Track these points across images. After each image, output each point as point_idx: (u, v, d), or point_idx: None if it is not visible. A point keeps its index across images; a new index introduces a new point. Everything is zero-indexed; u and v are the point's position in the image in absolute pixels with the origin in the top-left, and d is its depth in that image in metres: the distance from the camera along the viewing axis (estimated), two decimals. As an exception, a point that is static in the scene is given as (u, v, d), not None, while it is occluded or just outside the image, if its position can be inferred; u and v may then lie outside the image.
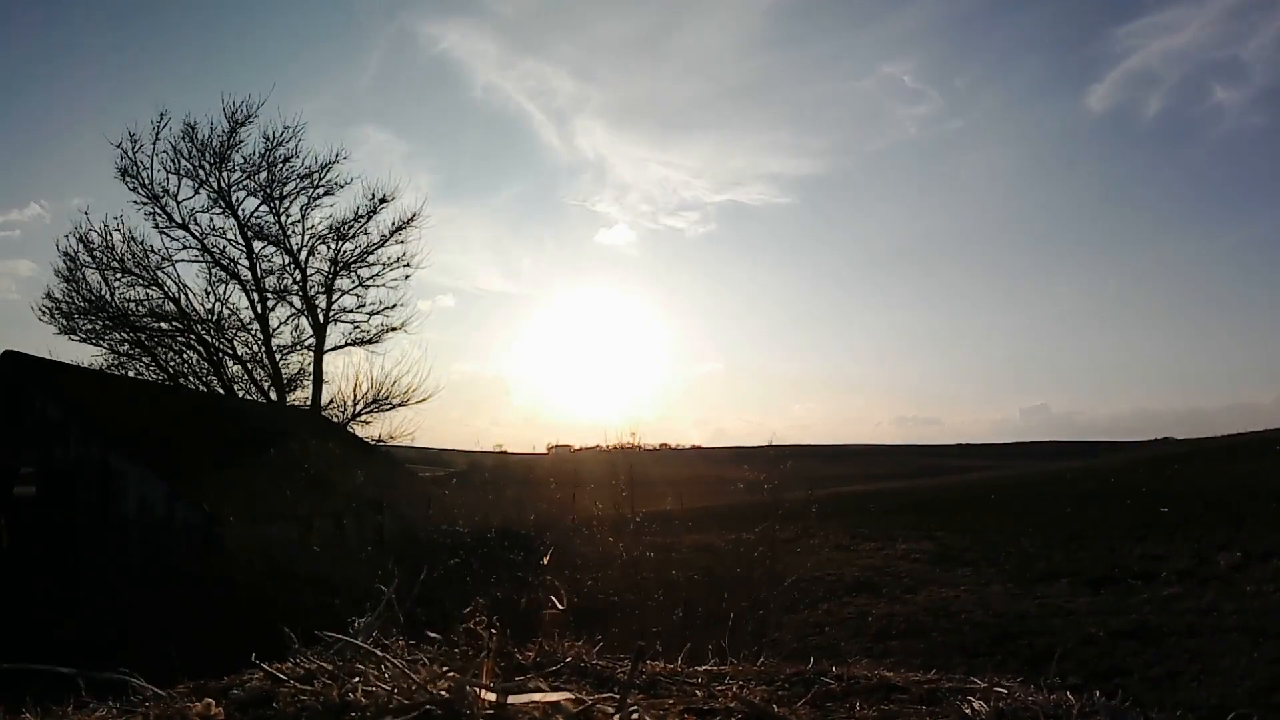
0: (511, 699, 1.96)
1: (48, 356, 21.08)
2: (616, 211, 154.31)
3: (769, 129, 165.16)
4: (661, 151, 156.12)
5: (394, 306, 29.02)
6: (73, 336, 26.32)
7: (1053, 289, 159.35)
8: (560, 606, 3.16)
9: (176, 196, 26.42)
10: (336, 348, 29.03)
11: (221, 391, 27.24)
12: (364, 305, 28.96)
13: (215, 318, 27.41)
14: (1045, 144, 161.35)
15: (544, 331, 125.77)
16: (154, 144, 25.73)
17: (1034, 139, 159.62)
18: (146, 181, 26.04)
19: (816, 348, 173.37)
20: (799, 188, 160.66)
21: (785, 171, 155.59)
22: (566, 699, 2.02)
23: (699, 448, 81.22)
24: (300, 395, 28.65)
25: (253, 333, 27.97)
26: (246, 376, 28.00)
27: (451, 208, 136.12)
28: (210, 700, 2.25)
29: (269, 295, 28.07)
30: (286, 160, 27.06)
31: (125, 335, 26.82)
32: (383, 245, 28.66)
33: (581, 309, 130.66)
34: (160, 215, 26.44)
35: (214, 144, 26.22)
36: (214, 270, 27.48)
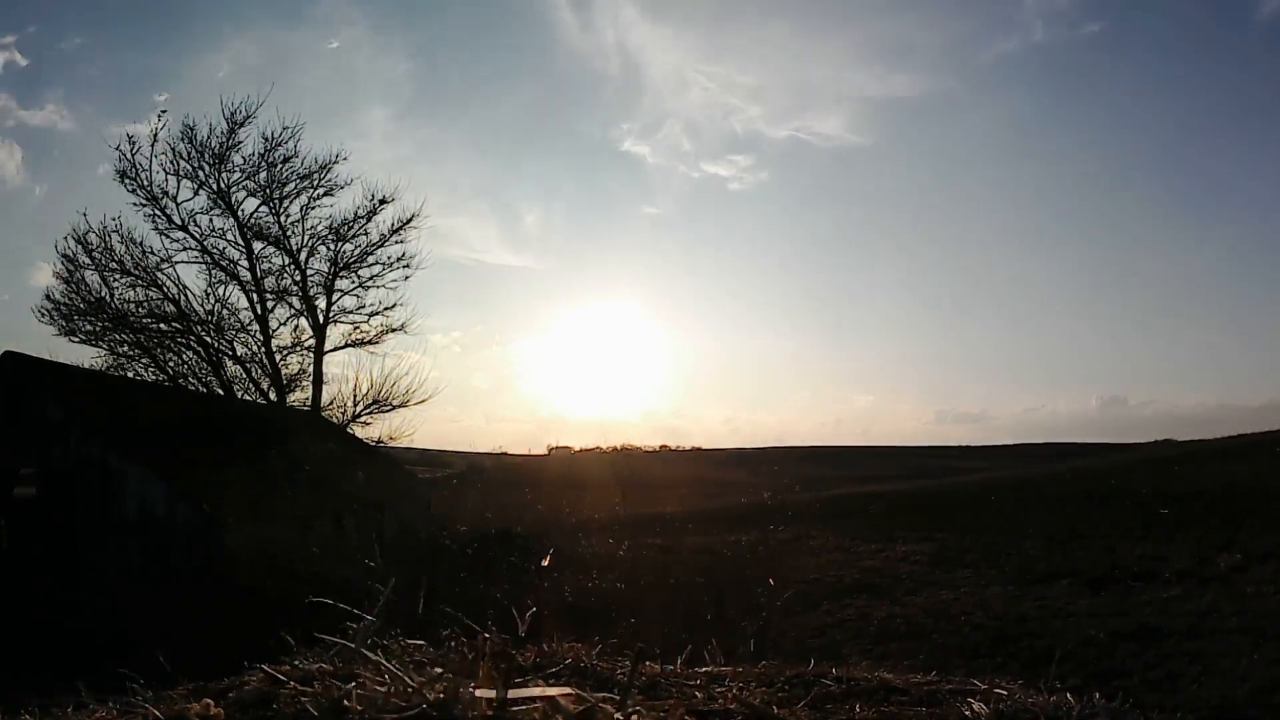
0: (511, 698, 1.96)
1: (48, 357, 21.10)
2: (646, 152, 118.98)
3: (856, 30, 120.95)
4: (711, 58, 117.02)
5: (394, 307, 29.00)
6: (72, 338, 26.31)
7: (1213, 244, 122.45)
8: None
9: (176, 198, 26.39)
10: (336, 348, 29.01)
11: (221, 392, 27.22)
12: (364, 306, 28.93)
13: (215, 318, 27.39)
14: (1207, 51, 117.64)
15: (549, 316, 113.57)
16: (153, 145, 25.73)
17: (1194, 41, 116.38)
18: (145, 183, 26.02)
19: (887, 334, 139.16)
20: (884, 117, 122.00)
21: (872, 93, 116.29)
22: (565, 694, 2.02)
23: (699, 449, 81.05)
24: (300, 396, 28.62)
25: (252, 333, 27.95)
26: (246, 377, 27.97)
27: (431, 127, 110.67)
28: (210, 700, 2.26)
29: (269, 296, 28.04)
30: (286, 161, 27.02)
31: (125, 336, 26.79)
32: (382, 245, 28.62)
33: (597, 286, 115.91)
34: (159, 216, 26.41)
35: (213, 145, 26.19)
36: (213, 271, 27.45)
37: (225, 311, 27.54)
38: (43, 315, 26.11)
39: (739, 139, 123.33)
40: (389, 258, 28.67)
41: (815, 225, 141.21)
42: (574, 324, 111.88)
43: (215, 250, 27.21)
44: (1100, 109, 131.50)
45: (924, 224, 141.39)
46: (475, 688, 1.98)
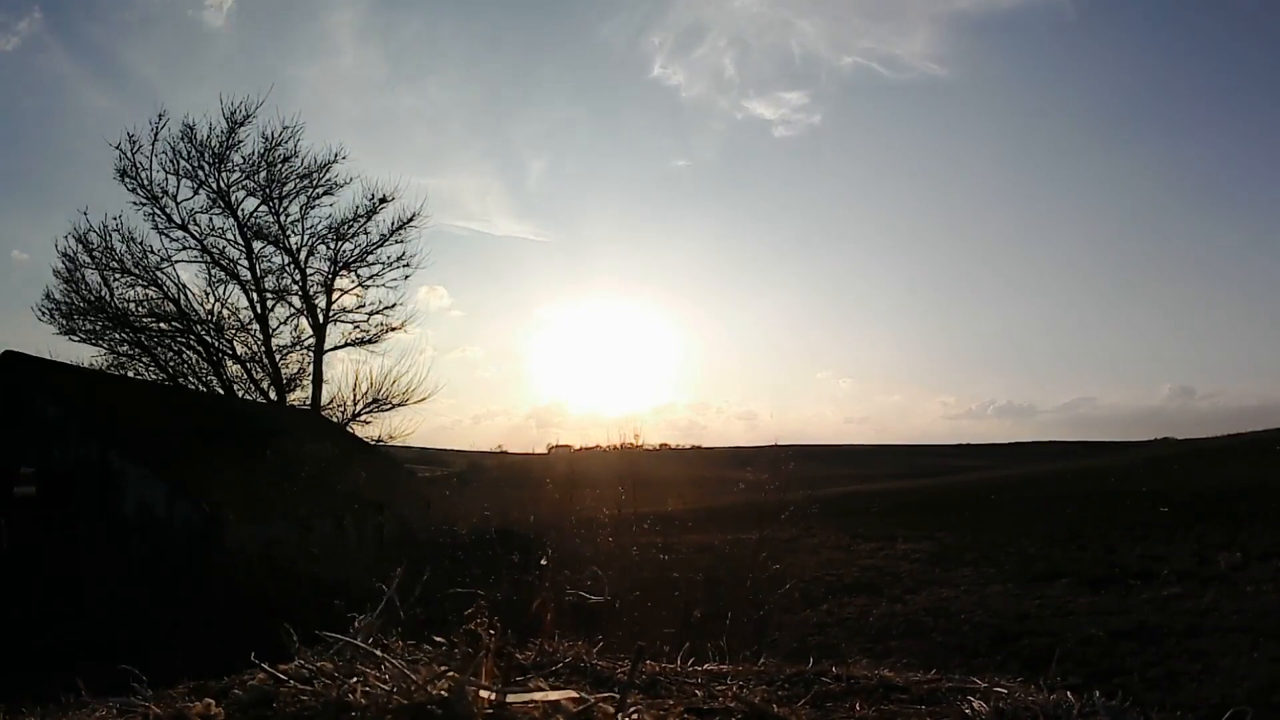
0: (511, 698, 1.96)
1: (48, 356, 21.09)
2: (680, 80, 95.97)
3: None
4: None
5: (394, 306, 29.02)
6: (72, 337, 26.33)
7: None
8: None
9: (176, 197, 26.41)
10: (336, 347, 29.03)
11: (221, 391, 27.22)
12: (364, 305, 28.96)
13: (215, 318, 27.41)
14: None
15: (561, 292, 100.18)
16: (153, 144, 25.73)
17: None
18: (145, 182, 26.03)
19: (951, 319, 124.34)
20: (977, 42, 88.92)
21: (965, 5, 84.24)
22: (567, 697, 2.02)
23: (699, 448, 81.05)
24: (300, 395, 28.64)
25: (252, 333, 27.97)
26: (246, 376, 27.99)
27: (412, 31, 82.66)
28: (210, 700, 2.26)
29: (269, 295, 28.06)
30: (285, 160, 27.03)
31: (125, 335, 26.80)
32: (382, 245, 28.65)
33: (614, 257, 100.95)
34: (159, 215, 26.42)
35: (213, 144, 26.20)
36: (213, 270, 27.47)
37: (225, 311, 27.59)
38: (43, 314, 26.15)
39: (793, 65, 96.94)
40: (389, 257, 28.72)
41: (877, 186, 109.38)
42: (581, 308, 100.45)
43: (215, 249, 27.25)
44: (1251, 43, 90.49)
45: (1018, 188, 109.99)
46: (477, 686, 1.98)
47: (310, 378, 28.54)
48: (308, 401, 28.34)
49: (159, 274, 26.65)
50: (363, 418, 28.67)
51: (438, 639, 2.55)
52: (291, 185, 27.35)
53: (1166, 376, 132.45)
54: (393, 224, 28.45)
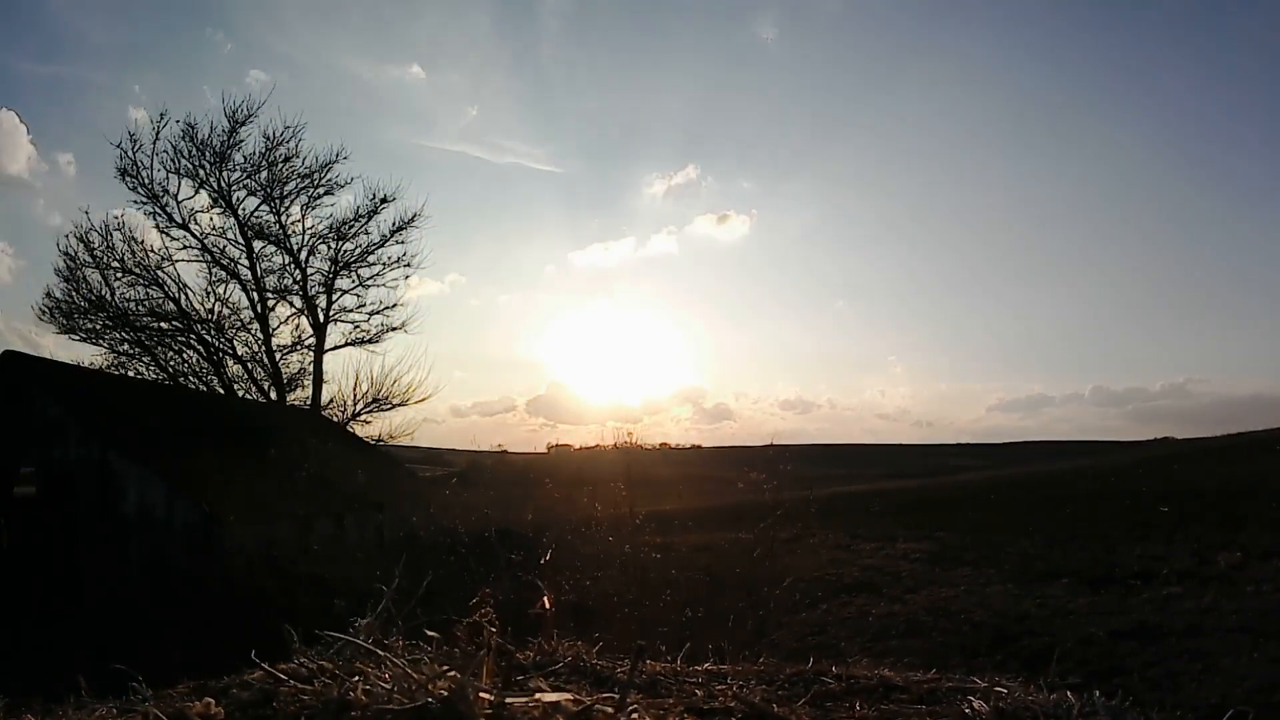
0: (511, 699, 1.96)
1: (48, 356, 21.11)
2: None
3: None
4: None
5: (394, 306, 29.06)
6: (73, 336, 26.36)
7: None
8: (549, 607, 3.16)
9: (176, 196, 26.47)
10: (336, 347, 29.07)
11: (221, 391, 27.24)
12: (364, 305, 29.01)
13: (215, 317, 27.45)
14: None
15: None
16: (154, 144, 25.75)
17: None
18: (146, 181, 26.07)
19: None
20: None
21: None
22: (566, 699, 2.02)
23: (699, 447, 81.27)
24: (300, 395, 28.68)
25: (253, 332, 28.00)
26: (246, 376, 28.03)
27: None
28: (210, 700, 2.26)
29: (269, 295, 28.11)
30: (286, 160, 27.10)
31: (125, 335, 26.83)
32: (383, 245, 28.71)
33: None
34: (160, 215, 26.49)
35: (214, 144, 26.24)
36: (214, 270, 27.52)
37: (226, 310, 27.64)
38: (43, 314, 26.16)
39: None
40: (389, 257, 28.76)
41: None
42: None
43: (216, 249, 27.30)
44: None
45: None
46: (478, 685, 1.99)
47: (310, 377, 28.59)
48: (308, 401, 28.38)
49: (159, 273, 26.71)
50: (363, 418, 28.72)
51: (436, 636, 2.55)
52: (292, 185, 27.43)
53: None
54: (393, 224, 28.52)
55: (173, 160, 26.00)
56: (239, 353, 27.86)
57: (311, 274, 28.38)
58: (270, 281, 28.04)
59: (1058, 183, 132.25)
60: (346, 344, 29.06)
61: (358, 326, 29.03)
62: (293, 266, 28.13)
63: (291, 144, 26.91)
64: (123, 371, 26.52)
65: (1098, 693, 2.53)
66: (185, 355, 27.60)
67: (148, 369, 27.04)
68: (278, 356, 28.21)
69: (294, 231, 27.93)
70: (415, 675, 2.05)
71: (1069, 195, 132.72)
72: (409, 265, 28.82)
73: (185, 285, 27.24)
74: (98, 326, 26.41)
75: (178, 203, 26.48)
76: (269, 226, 27.56)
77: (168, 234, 26.68)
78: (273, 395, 27.94)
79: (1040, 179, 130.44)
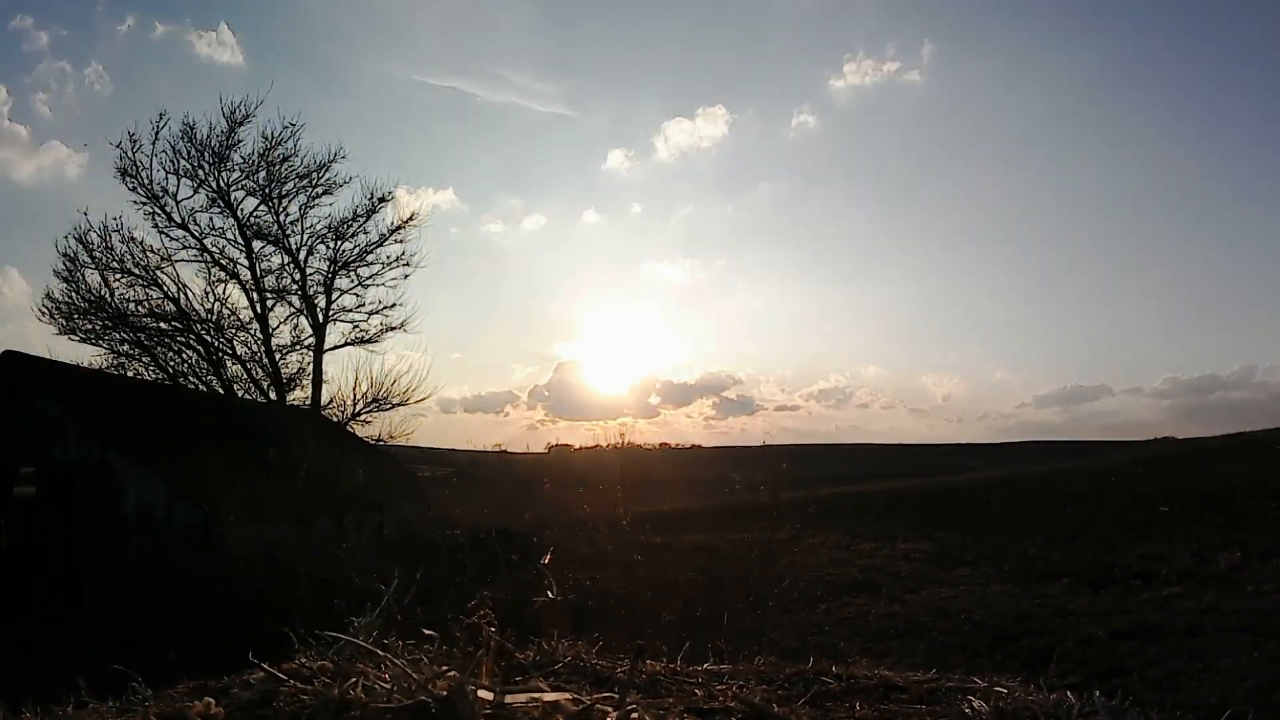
0: (510, 698, 1.96)
1: (48, 356, 21.09)
2: None
3: None
4: None
5: (393, 306, 29.03)
6: (72, 336, 26.31)
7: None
8: (553, 594, 3.16)
9: (176, 196, 26.41)
10: (336, 347, 29.04)
11: (221, 391, 27.21)
12: (363, 304, 28.97)
13: (215, 318, 27.39)
14: None
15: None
16: (153, 144, 25.72)
17: None
18: (146, 181, 26.03)
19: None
20: None
21: None
22: (566, 698, 2.02)
23: (698, 447, 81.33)
24: (300, 395, 28.64)
25: (252, 332, 27.96)
26: (246, 376, 27.98)
27: None
28: (210, 699, 2.26)
29: (268, 295, 28.05)
30: (285, 160, 27.04)
31: (125, 335, 26.77)
32: (382, 244, 28.66)
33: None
34: (159, 215, 26.43)
35: (213, 144, 26.20)
36: (213, 270, 27.46)
37: (225, 310, 27.58)
38: (43, 314, 26.13)
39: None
40: (388, 256, 28.73)
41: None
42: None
43: (215, 249, 27.25)
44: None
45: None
46: (477, 685, 1.98)
47: (310, 377, 28.56)
48: (308, 401, 28.35)
49: (159, 274, 26.67)
50: (363, 417, 28.69)
51: (435, 635, 2.54)
52: (291, 185, 27.38)
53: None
54: (392, 224, 28.51)
55: (172, 160, 26.00)
56: (238, 353, 27.84)
57: (310, 274, 28.37)
58: (269, 281, 28.02)
59: (1058, 183, 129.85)
60: (346, 344, 29.04)
61: (357, 326, 29.01)
62: (292, 266, 28.11)
63: (290, 144, 26.91)
64: (122, 372, 26.50)
65: (1098, 693, 2.53)
66: (185, 355, 27.56)
67: (147, 369, 27.00)
68: (277, 356, 28.18)
69: (293, 231, 27.92)
70: (414, 675, 2.05)
71: (1095, 191, 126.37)
72: (408, 265, 28.79)
73: (185, 285, 27.23)
74: (97, 327, 26.39)
75: (177, 203, 26.47)
76: (268, 226, 27.53)
77: (167, 234, 26.68)
78: (272, 395, 27.91)
79: (1048, 177, 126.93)
